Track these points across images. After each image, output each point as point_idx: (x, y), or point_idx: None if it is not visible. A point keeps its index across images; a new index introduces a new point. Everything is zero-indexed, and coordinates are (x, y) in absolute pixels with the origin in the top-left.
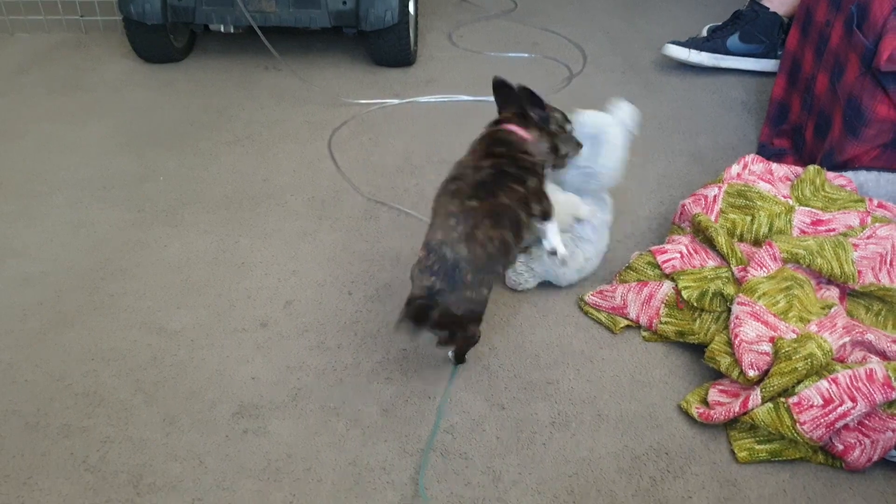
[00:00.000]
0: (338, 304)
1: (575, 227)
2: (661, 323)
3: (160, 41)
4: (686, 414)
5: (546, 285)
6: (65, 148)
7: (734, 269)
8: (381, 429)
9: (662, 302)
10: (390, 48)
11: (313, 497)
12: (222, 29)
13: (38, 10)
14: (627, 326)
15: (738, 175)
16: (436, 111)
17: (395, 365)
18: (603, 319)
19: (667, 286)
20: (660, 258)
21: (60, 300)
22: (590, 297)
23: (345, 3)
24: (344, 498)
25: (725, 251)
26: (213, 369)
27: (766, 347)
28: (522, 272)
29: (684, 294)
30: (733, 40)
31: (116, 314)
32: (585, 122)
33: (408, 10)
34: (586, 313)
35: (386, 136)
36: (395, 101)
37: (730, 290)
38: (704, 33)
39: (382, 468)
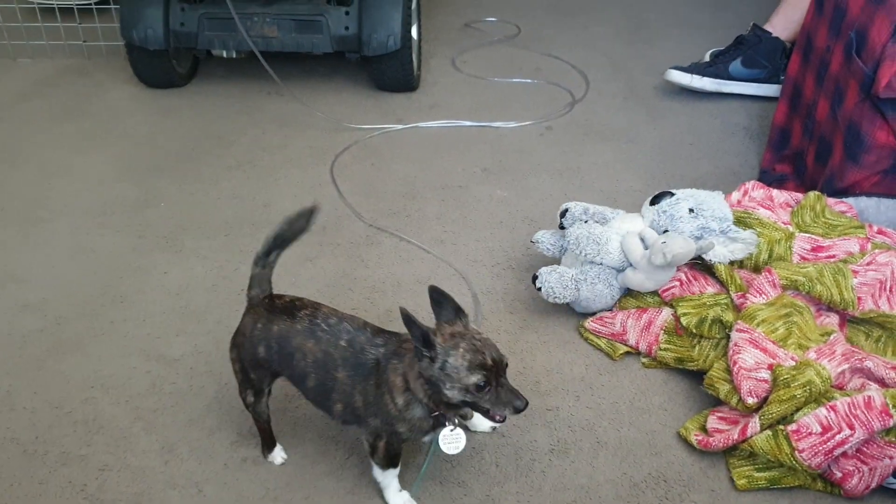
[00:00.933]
0: None
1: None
2: (660, 349)
3: (163, 66)
4: (685, 441)
5: (547, 311)
6: (66, 174)
7: (733, 295)
8: None
9: (662, 328)
10: (393, 73)
11: None
12: (224, 54)
13: (40, 36)
14: (627, 353)
15: (739, 202)
16: (438, 136)
17: None
18: (603, 346)
19: (666, 313)
20: None
21: (60, 327)
22: (590, 324)
23: (347, 28)
24: None
25: (724, 278)
26: (211, 397)
27: (765, 375)
28: (568, 285)
29: (683, 321)
30: (736, 65)
31: (116, 341)
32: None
33: (410, 36)
34: (586, 339)
35: (388, 162)
36: (398, 127)
37: (729, 316)
38: (707, 58)
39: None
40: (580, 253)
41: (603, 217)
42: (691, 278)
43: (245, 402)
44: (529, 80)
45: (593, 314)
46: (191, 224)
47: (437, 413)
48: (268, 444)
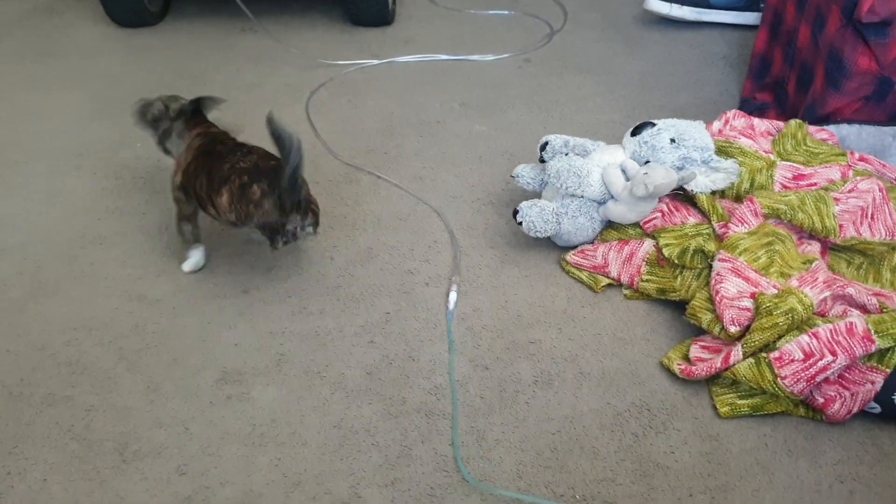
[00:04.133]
0: (319, 269)
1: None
2: (642, 281)
3: (134, 4)
4: (668, 370)
5: (529, 245)
6: (39, 116)
7: (715, 225)
8: (365, 392)
9: (643, 260)
10: (368, 7)
11: (298, 460)
12: None
13: None
14: (609, 285)
15: (720, 131)
16: (415, 71)
17: (377, 328)
18: (584, 278)
19: (648, 244)
20: None
21: (40, 270)
22: (571, 257)
23: None
24: (329, 460)
25: (706, 208)
26: (195, 336)
27: (748, 303)
28: (549, 219)
29: (665, 252)
30: None
31: (97, 283)
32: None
33: None
34: (568, 273)
35: (364, 98)
36: (374, 62)
37: (710, 246)
38: None
39: (367, 430)
40: (561, 186)
41: (584, 149)
42: (673, 209)
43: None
44: (506, 12)
45: (574, 247)
46: (167, 164)
47: None
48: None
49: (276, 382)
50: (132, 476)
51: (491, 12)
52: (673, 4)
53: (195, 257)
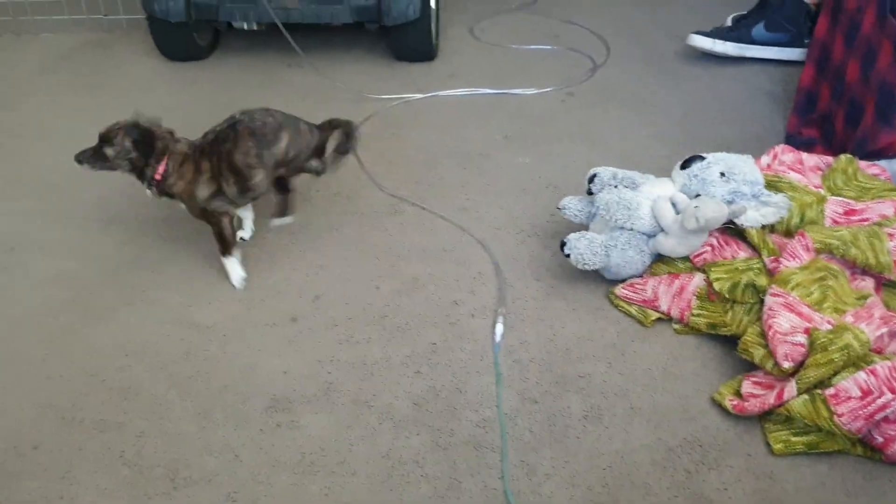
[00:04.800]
0: (365, 299)
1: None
2: (692, 315)
3: (184, 39)
4: (720, 406)
5: (575, 277)
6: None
7: (766, 260)
8: (413, 422)
9: (694, 294)
10: (412, 43)
11: (348, 490)
12: (245, 26)
13: (62, 10)
14: (659, 319)
15: (769, 166)
16: (458, 105)
17: (423, 359)
18: (634, 312)
19: (698, 278)
20: None
21: (91, 296)
22: (620, 290)
23: None
24: (378, 491)
25: (757, 242)
26: (244, 363)
27: (801, 339)
28: (598, 252)
29: (716, 286)
30: (759, 29)
31: (148, 309)
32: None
33: (429, 5)
34: (616, 306)
35: (408, 131)
36: (418, 96)
37: (762, 281)
38: (729, 23)
39: (415, 461)
40: (610, 218)
41: (632, 182)
42: (723, 243)
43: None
44: (549, 47)
45: (623, 281)
46: None
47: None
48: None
49: (325, 411)
50: (183, 502)
51: (533, 47)
52: (716, 40)
53: (239, 267)
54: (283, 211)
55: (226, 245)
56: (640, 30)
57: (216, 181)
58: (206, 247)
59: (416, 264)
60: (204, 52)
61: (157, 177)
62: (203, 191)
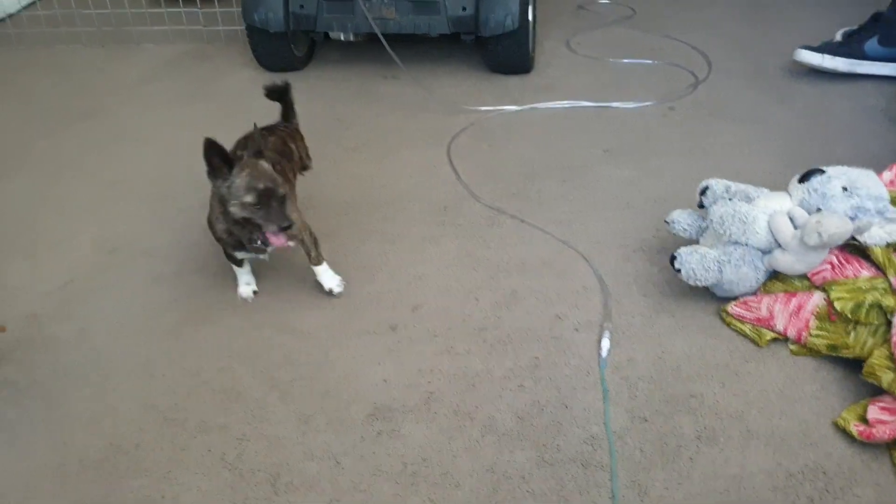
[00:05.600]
0: (465, 310)
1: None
2: (811, 336)
3: (282, 50)
4: (843, 432)
5: (684, 294)
6: (190, 153)
7: (892, 279)
8: (518, 437)
9: (812, 314)
10: (509, 54)
11: (452, 503)
12: (342, 37)
13: (163, 21)
14: (774, 339)
15: (892, 182)
16: (556, 117)
17: (526, 373)
18: (747, 331)
19: (817, 297)
20: None
21: (193, 298)
22: (733, 308)
23: (464, 8)
24: None
25: (882, 261)
26: (345, 370)
27: None
28: (710, 267)
29: (837, 305)
30: (871, 44)
31: (249, 313)
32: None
33: (527, 16)
34: (728, 324)
35: (505, 143)
36: (514, 108)
37: (889, 301)
38: (839, 38)
39: (521, 477)
40: (724, 232)
41: (746, 195)
42: (843, 261)
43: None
44: (648, 61)
45: (735, 298)
46: (312, 203)
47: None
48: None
49: (426, 420)
50: None
51: (632, 61)
52: (825, 55)
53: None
54: None
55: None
56: (741, 45)
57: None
58: (302, 255)
59: (515, 277)
60: (300, 62)
61: None
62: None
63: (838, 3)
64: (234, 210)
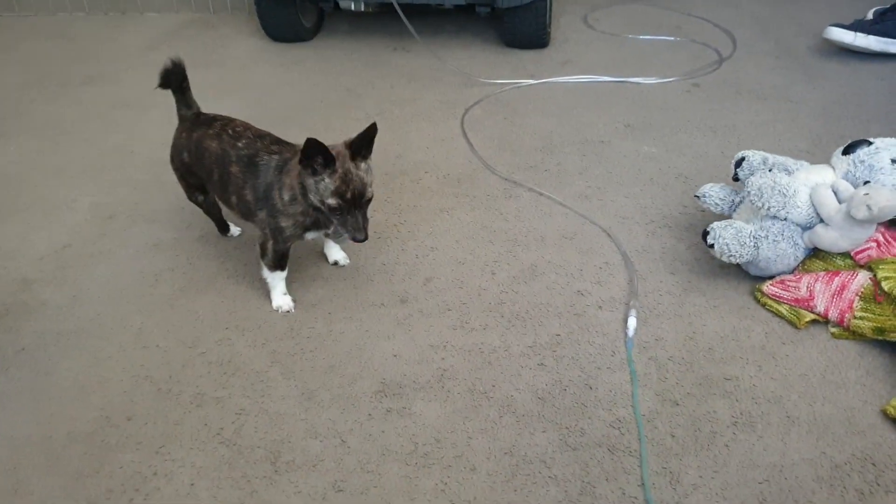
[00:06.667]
0: (480, 284)
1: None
2: (854, 318)
3: (289, 19)
4: (893, 421)
5: (714, 272)
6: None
7: None
8: (538, 418)
9: (857, 294)
10: (526, 27)
11: (467, 486)
12: (353, 7)
13: None
14: (813, 321)
15: None
16: (574, 92)
17: (547, 350)
18: (784, 312)
19: (862, 277)
20: None
21: (192, 267)
22: (769, 288)
23: None
24: (501, 490)
25: None
26: (351, 344)
27: None
28: (746, 242)
29: (885, 285)
30: None
31: (251, 283)
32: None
33: None
34: (763, 305)
35: (521, 116)
36: (531, 82)
37: None
38: (871, 16)
39: (542, 461)
40: (763, 205)
41: (785, 168)
42: (890, 239)
43: (196, 202)
44: (670, 38)
45: (771, 277)
46: None
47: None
48: (221, 228)
49: (439, 399)
50: (285, 488)
51: (653, 37)
52: (857, 33)
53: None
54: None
55: None
56: (766, 23)
57: None
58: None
59: (534, 251)
60: (308, 33)
61: None
62: None
63: None
64: (314, 201)
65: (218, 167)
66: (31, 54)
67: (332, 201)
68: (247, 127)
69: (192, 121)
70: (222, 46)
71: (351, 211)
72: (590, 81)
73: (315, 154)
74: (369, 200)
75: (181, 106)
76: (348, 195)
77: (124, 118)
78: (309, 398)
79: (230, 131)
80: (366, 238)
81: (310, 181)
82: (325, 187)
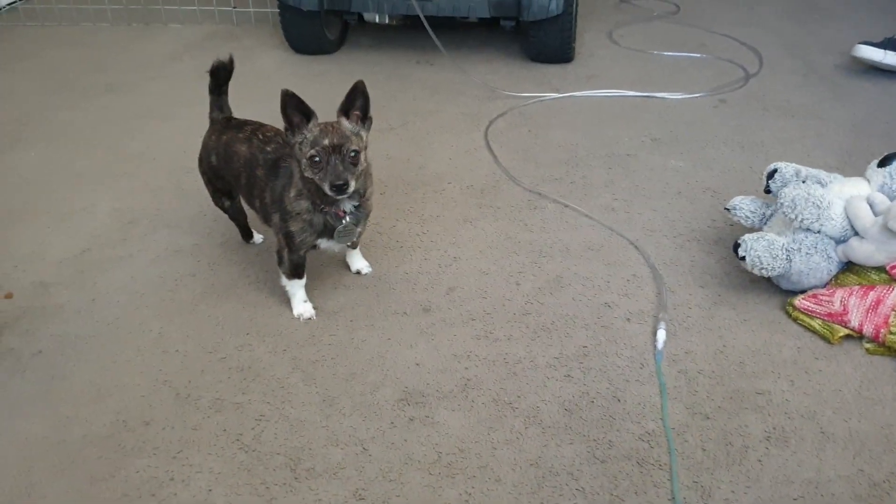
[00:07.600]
0: (505, 294)
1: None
2: (890, 333)
3: (313, 31)
4: None
5: (744, 286)
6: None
7: None
8: (565, 429)
9: (893, 309)
10: (551, 41)
11: (492, 498)
12: (377, 19)
13: (191, 1)
14: (847, 336)
15: None
16: (599, 106)
17: (574, 362)
18: (817, 327)
19: None
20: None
21: (213, 272)
22: (801, 302)
23: None
24: (527, 502)
25: None
26: (373, 352)
27: None
28: (778, 255)
29: None
30: None
31: (272, 289)
32: None
33: (572, 1)
34: (795, 319)
35: (546, 130)
36: (555, 95)
37: None
38: None
39: (569, 473)
40: (796, 217)
41: (818, 180)
42: None
43: (222, 208)
44: (695, 55)
45: (803, 291)
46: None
47: (322, 208)
48: (245, 235)
49: (463, 409)
50: (305, 496)
51: (678, 54)
52: (888, 52)
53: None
54: None
55: None
56: (792, 41)
57: None
58: None
59: (559, 262)
60: (332, 46)
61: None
62: None
63: (887, 8)
64: (306, 171)
65: (246, 171)
66: (53, 63)
67: (311, 152)
68: (277, 132)
69: (223, 124)
70: (246, 58)
71: (329, 159)
72: (615, 96)
73: (292, 107)
74: (353, 153)
75: (214, 108)
76: (325, 142)
77: (146, 126)
78: (330, 405)
79: (260, 136)
80: (345, 184)
81: (295, 146)
82: (305, 143)
